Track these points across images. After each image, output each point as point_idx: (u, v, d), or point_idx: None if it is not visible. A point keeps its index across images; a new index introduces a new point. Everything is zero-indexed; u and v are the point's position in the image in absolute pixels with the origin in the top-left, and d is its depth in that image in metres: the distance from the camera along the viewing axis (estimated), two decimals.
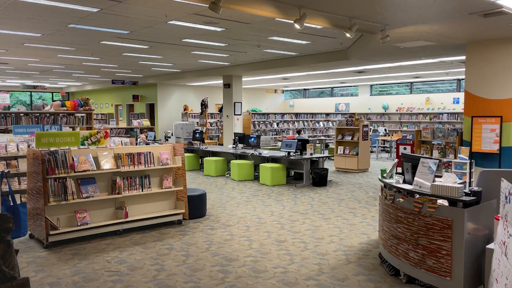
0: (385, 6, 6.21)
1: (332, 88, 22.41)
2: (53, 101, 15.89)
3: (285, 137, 17.58)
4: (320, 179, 9.51)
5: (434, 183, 3.79)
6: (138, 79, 19.07)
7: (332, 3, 6.06)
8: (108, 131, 6.13)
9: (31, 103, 25.57)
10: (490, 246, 3.18)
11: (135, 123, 14.90)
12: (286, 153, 9.82)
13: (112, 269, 4.48)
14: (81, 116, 9.13)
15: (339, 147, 12.21)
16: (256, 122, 18.23)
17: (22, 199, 6.37)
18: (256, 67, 13.68)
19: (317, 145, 14.84)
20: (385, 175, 4.68)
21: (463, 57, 9.10)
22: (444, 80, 18.02)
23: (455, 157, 8.06)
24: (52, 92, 26.17)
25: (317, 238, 5.54)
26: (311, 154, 9.67)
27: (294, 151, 9.74)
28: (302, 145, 9.93)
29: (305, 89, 23.97)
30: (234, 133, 12.60)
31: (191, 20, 7.51)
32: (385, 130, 17.50)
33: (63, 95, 25.55)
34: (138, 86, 20.54)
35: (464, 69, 8.82)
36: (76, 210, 5.39)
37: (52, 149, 5.24)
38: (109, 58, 12.54)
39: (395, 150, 13.32)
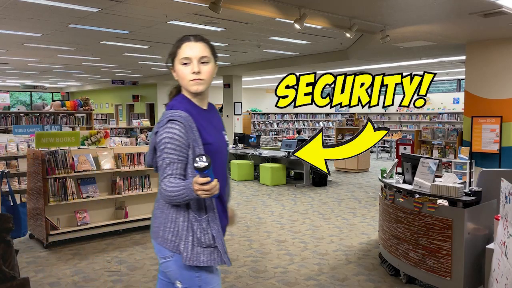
0: (385, 6, 6.21)
1: None
2: (53, 101, 15.89)
3: (285, 137, 17.58)
4: (320, 179, 9.51)
5: (434, 183, 3.79)
6: (138, 79, 19.06)
7: (332, 3, 6.06)
8: (108, 131, 6.13)
9: (31, 103, 25.57)
10: (490, 246, 3.18)
11: (135, 123, 14.89)
12: (286, 153, 9.82)
13: (112, 269, 4.48)
14: (81, 116, 9.13)
15: None
16: (256, 122, 18.24)
17: (22, 199, 6.37)
18: (256, 67, 13.68)
19: None
20: (385, 175, 4.68)
21: (463, 57, 9.09)
22: (444, 80, 18.02)
23: (455, 157, 8.05)
24: (52, 92, 26.17)
25: (317, 238, 5.54)
26: None
27: (294, 151, 9.73)
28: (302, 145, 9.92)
29: None
30: (234, 133, 12.60)
31: (191, 20, 7.51)
32: None
33: (63, 95, 25.55)
34: (138, 86, 20.54)
35: (464, 69, 8.83)
36: (76, 210, 5.39)
37: (52, 149, 5.24)
38: (109, 58, 12.54)
39: (395, 150, 13.32)
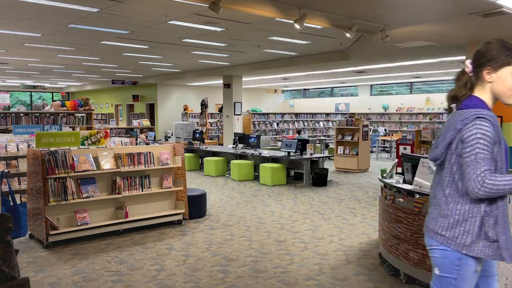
0: (385, 6, 6.22)
1: (332, 88, 22.41)
2: (53, 101, 15.89)
3: (285, 137, 17.59)
4: (320, 179, 9.51)
5: None
6: (138, 79, 19.07)
7: (332, 3, 6.06)
8: (108, 131, 6.13)
9: (31, 103, 25.58)
10: None
11: (135, 123, 14.91)
12: (286, 153, 9.82)
13: (112, 269, 4.48)
14: (81, 116, 9.13)
15: (339, 147, 12.21)
16: (256, 122, 18.23)
17: (22, 199, 6.37)
18: (256, 67, 13.69)
19: (317, 145, 14.84)
20: (385, 175, 4.68)
21: (463, 57, 9.10)
22: (444, 80, 18.02)
23: None
24: (52, 92, 26.17)
25: (317, 238, 5.54)
26: (311, 154, 9.67)
27: (294, 151, 9.74)
28: (302, 145, 9.93)
29: (305, 89, 23.97)
30: (234, 133, 12.61)
31: (191, 20, 7.52)
32: (385, 130, 17.50)
33: (63, 95, 25.56)
34: (138, 86, 20.55)
35: None
36: (76, 210, 5.39)
37: (52, 149, 5.24)
38: (109, 58, 12.55)
39: (395, 150, 13.32)
